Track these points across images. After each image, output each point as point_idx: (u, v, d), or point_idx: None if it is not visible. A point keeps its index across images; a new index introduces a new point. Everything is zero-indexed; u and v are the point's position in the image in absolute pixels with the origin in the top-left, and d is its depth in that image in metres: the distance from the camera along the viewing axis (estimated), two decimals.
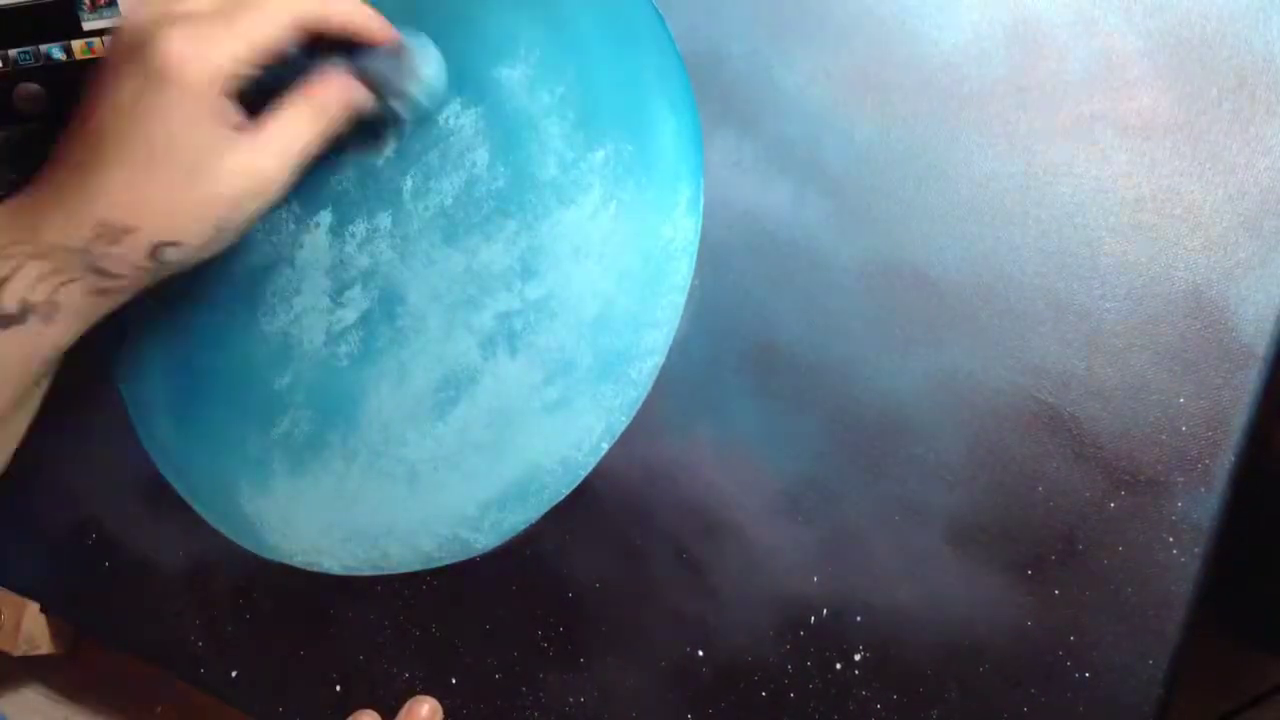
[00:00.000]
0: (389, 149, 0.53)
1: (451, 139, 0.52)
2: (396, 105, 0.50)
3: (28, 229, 0.43)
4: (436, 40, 0.52)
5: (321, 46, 0.47)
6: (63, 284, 0.44)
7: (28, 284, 0.43)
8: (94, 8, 0.85)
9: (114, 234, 0.43)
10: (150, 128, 0.41)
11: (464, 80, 0.52)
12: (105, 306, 0.46)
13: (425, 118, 0.52)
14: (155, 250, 0.43)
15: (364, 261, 0.53)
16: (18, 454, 0.61)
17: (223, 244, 0.45)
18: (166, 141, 0.42)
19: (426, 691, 0.52)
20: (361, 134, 0.52)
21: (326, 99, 0.46)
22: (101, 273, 0.44)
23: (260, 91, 0.45)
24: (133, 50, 0.42)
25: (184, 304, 0.58)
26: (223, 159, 0.43)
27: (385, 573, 0.53)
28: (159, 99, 0.41)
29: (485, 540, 0.51)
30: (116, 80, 0.42)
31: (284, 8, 0.43)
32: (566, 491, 0.49)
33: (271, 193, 0.44)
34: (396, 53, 0.48)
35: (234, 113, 0.43)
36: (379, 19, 0.47)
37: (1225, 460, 0.41)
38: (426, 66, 0.50)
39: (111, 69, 0.43)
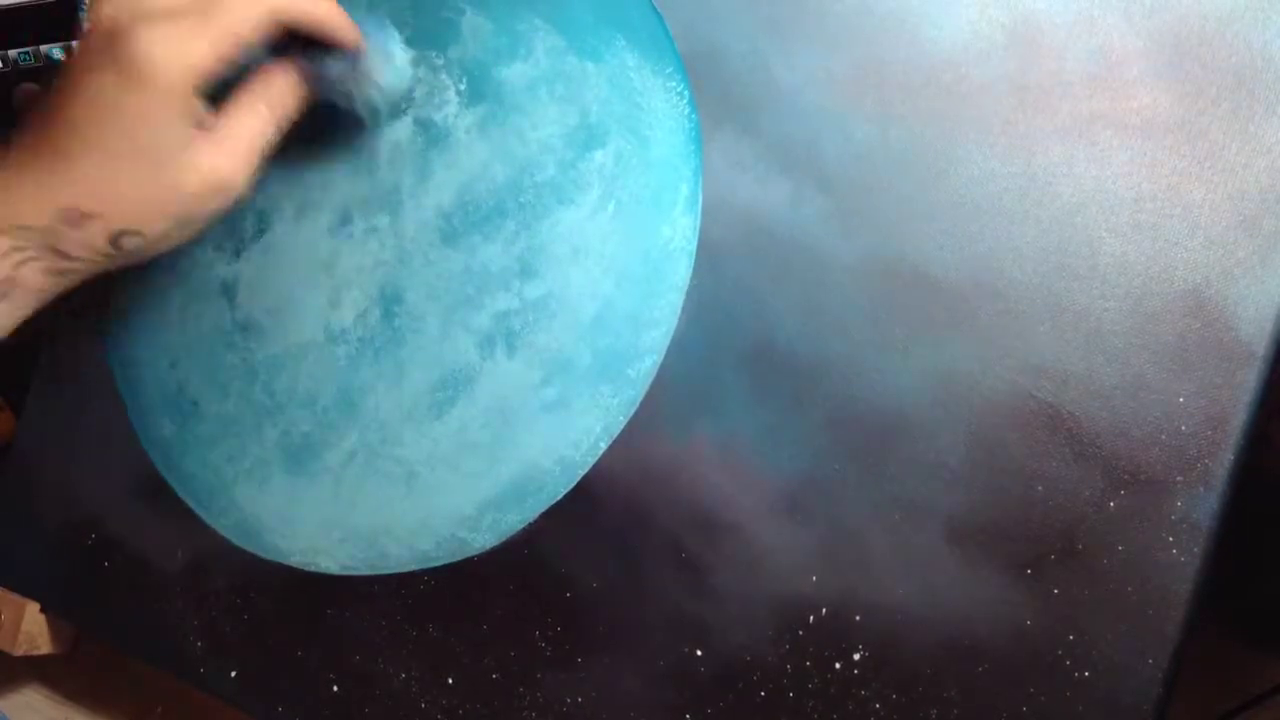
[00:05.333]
0: (361, 147, 0.53)
1: (450, 138, 0.52)
2: (349, 104, 0.50)
3: None
4: (435, 38, 0.52)
5: (284, 44, 0.47)
6: (22, 262, 0.45)
7: None
8: None
9: (77, 218, 0.44)
10: (123, 124, 0.42)
11: (465, 79, 0.52)
12: (58, 287, 0.47)
13: (381, 118, 0.52)
14: (116, 238, 0.45)
15: (362, 261, 0.53)
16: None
17: (182, 238, 0.47)
18: (137, 137, 0.43)
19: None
20: (334, 132, 0.52)
21: (275, 96, 0.47)
22: (61, 254, 0.45)
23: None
24: (109, 44, 0.42)
25: (183, 305, 0.58)
26: (188, 157, 0.44)
27: (383, 572, 0.53)
28: (134, 98, 0.42)
29: (483, 540, 0.51)
30: (91, 72, 0.43)
31: (259, 5, 0.44)
32: (564, 491, 0.49)
33: (232, 191, 0.46)
34: (356, 56, 0.48)
35: (201, 110, 0.44)
36: (347, 21, 0.47)
37: (1225, 460, 0.41)
38: (383, 71, 0.50)
39: (86, 59, 0.43)
